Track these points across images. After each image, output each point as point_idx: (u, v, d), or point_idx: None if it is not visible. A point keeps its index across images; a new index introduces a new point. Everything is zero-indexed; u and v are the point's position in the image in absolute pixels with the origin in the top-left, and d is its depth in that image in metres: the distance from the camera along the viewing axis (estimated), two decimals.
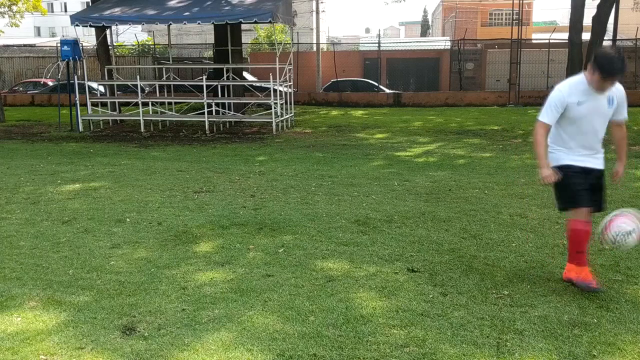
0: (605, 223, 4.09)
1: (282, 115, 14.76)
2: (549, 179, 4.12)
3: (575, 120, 4.07)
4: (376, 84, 25.67)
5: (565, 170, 4.14)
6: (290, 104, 15.48)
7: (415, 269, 4.63)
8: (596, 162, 4.21)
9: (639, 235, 3.99)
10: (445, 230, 5.71)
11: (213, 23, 14.42)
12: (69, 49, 13.96)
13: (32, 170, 9.17)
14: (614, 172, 4.34)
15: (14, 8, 25.11)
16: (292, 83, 15.78)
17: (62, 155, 10.80)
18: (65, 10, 57.55)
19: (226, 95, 15.68)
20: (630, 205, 6.59)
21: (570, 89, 4.07)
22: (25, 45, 34.55)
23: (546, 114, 4.11)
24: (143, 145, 12.22)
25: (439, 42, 34.07)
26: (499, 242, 5.31)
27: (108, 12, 14.33)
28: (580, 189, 4.12)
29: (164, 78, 17.17)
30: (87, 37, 23.44)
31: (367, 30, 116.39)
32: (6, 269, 4.76)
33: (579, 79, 4.11)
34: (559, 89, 4.13)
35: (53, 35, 55.59)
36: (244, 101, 15.85)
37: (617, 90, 4.12)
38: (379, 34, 31.68)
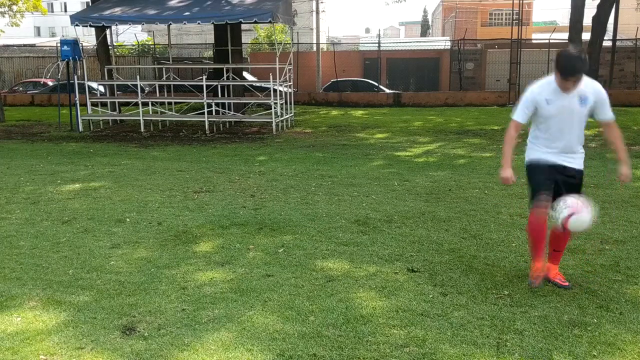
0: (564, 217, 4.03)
1: (282, 115, 14.76)
2: (507, 181, 4.24)
3: (546, 118, 4.12)
4: (376, 84, 25.66)
5: (532, 165, 4.27)
6: (290, 104, 15.47)
7: (415, 269, 4.63)
8: (570, 160, 4.18)
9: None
10: (445, 230, 5.71)
11: (213, 23, 14.41)
12: (69, 49, 13.95)
13: (32, 170, 9.17)
14: (619, 175, 4.27)
15: (14, 8, 25.10)
16: (292, 83, 15.78)
17: (62, 155, 10.80)
18: (65, 10, 57.55)
19: (226, 95, 15.68)
20: (630, 205, 6.59)
21: (541, 88, 4.12)
22: (25, 45, 34.55)
23: (518, 113, 4.20)
24: (143, 145, 12.22)
25: (439, 42, 34.06)
26: (499, 242, 5.31)
27: (108, 12, 14.33)
28: (542, 178, 4.18)
29: (164, 78, 17.17)
30: (87, 37, 23.45)
31: (367, 30, 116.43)
32: (6, 269, 4.76)
33: (551, 78, 4.12)
34: (531, 87, 4.20)
35: (53, 35, 55.59)
36: (244, 101, 15.84)
37: (593, 89, 4.04)
38: (379, 34, 31.65)
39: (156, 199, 7.12)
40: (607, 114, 4.12)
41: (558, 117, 4.08)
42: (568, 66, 3.90)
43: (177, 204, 6.87)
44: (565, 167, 4.18)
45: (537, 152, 4.25)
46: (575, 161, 4.20)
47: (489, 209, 6.49)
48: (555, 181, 4.18)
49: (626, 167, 4.22)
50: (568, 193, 4.14)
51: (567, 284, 4.23)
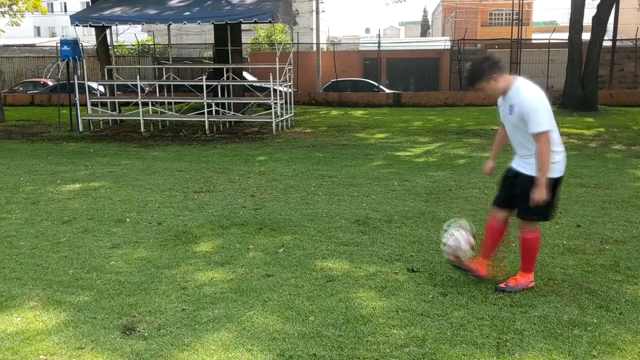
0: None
1: (282, 115, 14.76)
2: (485, 172, 4.60)
3: None
4: (376, 84, 25.67)
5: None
6: (290, 104, 15.47)
7: (415, 269, 4.63)
8: (522, 165, 4.10)
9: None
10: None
11: (213, 23, 14.41)
12: (69, 49, 13.95)
13: (32, 170, 9.17)
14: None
15: (14, 7, 25.12)
16: (292, 83, 15.77)
17: (62, 155, 10.80)
18: (65, 10, 57.56)
19: (226, 95, 15.68)
20: (630, 205, 6.59)
21: None
22: (25, 45, 34.56)
23: None
24: (143, 145, 12.22)
25: (439, 42, 34.09)
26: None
27: (108, 12, 14.33)
28: (499, 188, 4.39)
29: (164, 78, 17.17)
30: (87, 37, 23.46)
31: (367, 30, 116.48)
32: (6, 269, 4.76)
33: None
34: None
35: (53, 35, 55.59)
36: (244, 101, 15.84)
37: (518, 99, 3.90)
38: (379, 34, 31.67)
39: (156, 199, 7.12)
40: (532, 128, 3.83)
41: (504, 123, 4.26)
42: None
43: (177, 204, 6.87)
44: (518, 173, 4.13)
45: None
46: (522, 164, 4.10)
47: (489, 209, 6.45)
48: (511, 185, 4.20)
49: (537, 190, 3.87)
50: (516, 202, 4.14)
51: (503, 286, 4.19)
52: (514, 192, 4.15)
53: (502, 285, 4.20)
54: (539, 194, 3.86)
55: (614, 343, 3.43)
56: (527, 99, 3.86)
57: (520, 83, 3.97)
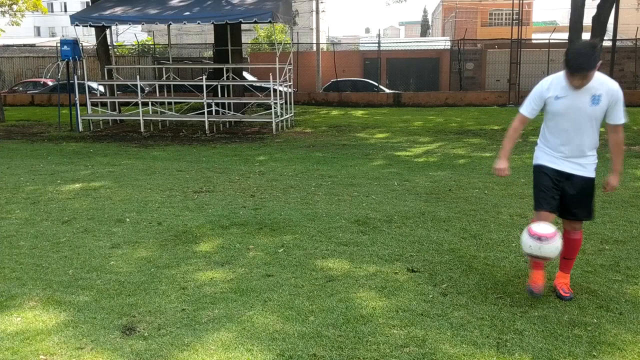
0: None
1: (282, 115, 14.76)
2: (500, 173, 4.14)
3: (554, 116, 3.92)
4: (376, 84, 25.67)
5: (538, 170, 4.08)
6: (290, 104, 15.48)
7: (415, 269, 4.63)
8: (577, 167, 3.95)
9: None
10: (445, 230, 5.71)
11: (213, 23, 14.42)
12: (69, 48, 13.96)
13: (32, 170, 9.17)
14: (604, 183, 4.07)
15: (15, 7, 25.10)
16: (292, 83, 15.78)
17: (62, 155, 10.79)
18: (65, 10, 57.57)
19: (226, 95, 15.68)
20: (630, 205, 6.59)
21: (552, 83, 3.92)
22: (25, 45, 34.56)
23: (525, 106, 4.04)
24: (143, 145, 12.22)
25: (439, 42, 34.09)
26: (499, 242, 5.31)
27: (108, 11, 14.33)
28: (545, 192, 3.99)
29: (164, 78, 17.17)
30: (87, 37, 23.45)
31: (367, 30, 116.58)
32: (6, 269, 4.76)
33: (562, 74, 3.90)
34: (541, 82, 4.02)
35: (53, 35, 55.61)
36: (244, 101, 15.85)
37: (607, 88, 3.77)
38: (379, 34, 31.66)
39: (156, 199, 7.12)
40: (619, 117, 3.85)
41: (566, 116, 3.85)
42: (573, 61, 3.65)
43: (177, 204, 6.87)
44: (571, 175, 3.95)
45: (545, 155, 4.06)
46: (585, 168, 3.94)
47: (489, 209, 6.49)
48: (560, 189, 3.99)
49: (614, 177, 4.00)
50: (572, 205, 4.00)
51: (567, 295, 4.03)
52: (569, 195, 3.98)
53: (567, 295, 4.02)
54: (617, 182, 4.01)
55: (614, 343, 3.43)
56: (617, 88, 3.79)
57: (600, 74, 3.81)
